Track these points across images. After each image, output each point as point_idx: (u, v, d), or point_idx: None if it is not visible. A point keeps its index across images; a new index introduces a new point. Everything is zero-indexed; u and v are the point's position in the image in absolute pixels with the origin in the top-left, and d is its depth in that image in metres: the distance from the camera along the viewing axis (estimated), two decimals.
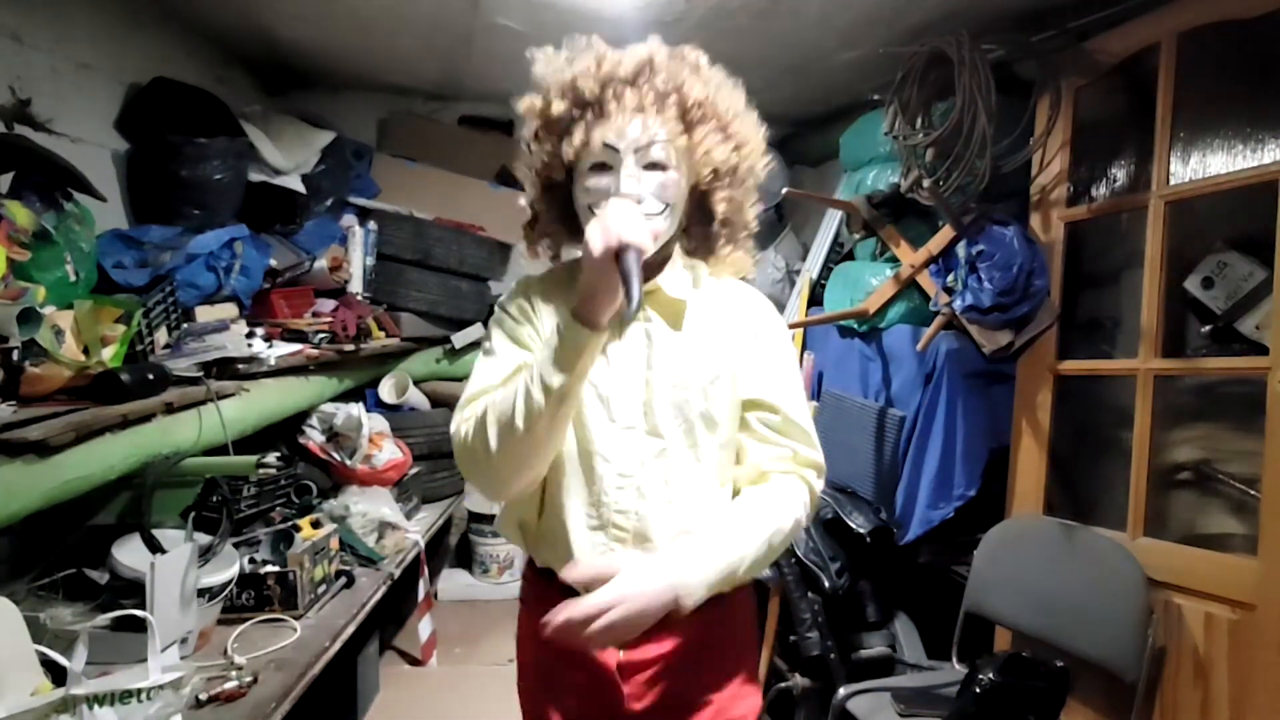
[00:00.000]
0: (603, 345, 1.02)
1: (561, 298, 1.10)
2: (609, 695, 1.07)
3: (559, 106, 1.04)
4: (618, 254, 0.91)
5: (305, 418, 2.46)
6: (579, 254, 1.06)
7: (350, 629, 1.82)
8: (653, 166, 1.01)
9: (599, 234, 0.91)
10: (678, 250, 1.13)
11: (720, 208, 1.10)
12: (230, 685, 1.41)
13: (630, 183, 1.00)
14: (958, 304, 2.12)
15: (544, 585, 1.10)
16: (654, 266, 1.08)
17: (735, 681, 1.13)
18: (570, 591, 0.92)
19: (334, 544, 2.02)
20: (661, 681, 1.07)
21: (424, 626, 2.73)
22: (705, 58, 1.08)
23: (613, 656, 1.06)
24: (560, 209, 1.13)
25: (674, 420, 1.06)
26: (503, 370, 1.05)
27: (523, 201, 1.20)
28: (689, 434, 1.06)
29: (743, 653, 1.18)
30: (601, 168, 1.02)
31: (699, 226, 1.13)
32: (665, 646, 1.06)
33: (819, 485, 1.15)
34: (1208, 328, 1.92)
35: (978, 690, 1.66)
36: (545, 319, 1.10)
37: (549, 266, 1.22)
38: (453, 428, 1.03)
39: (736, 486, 1.12)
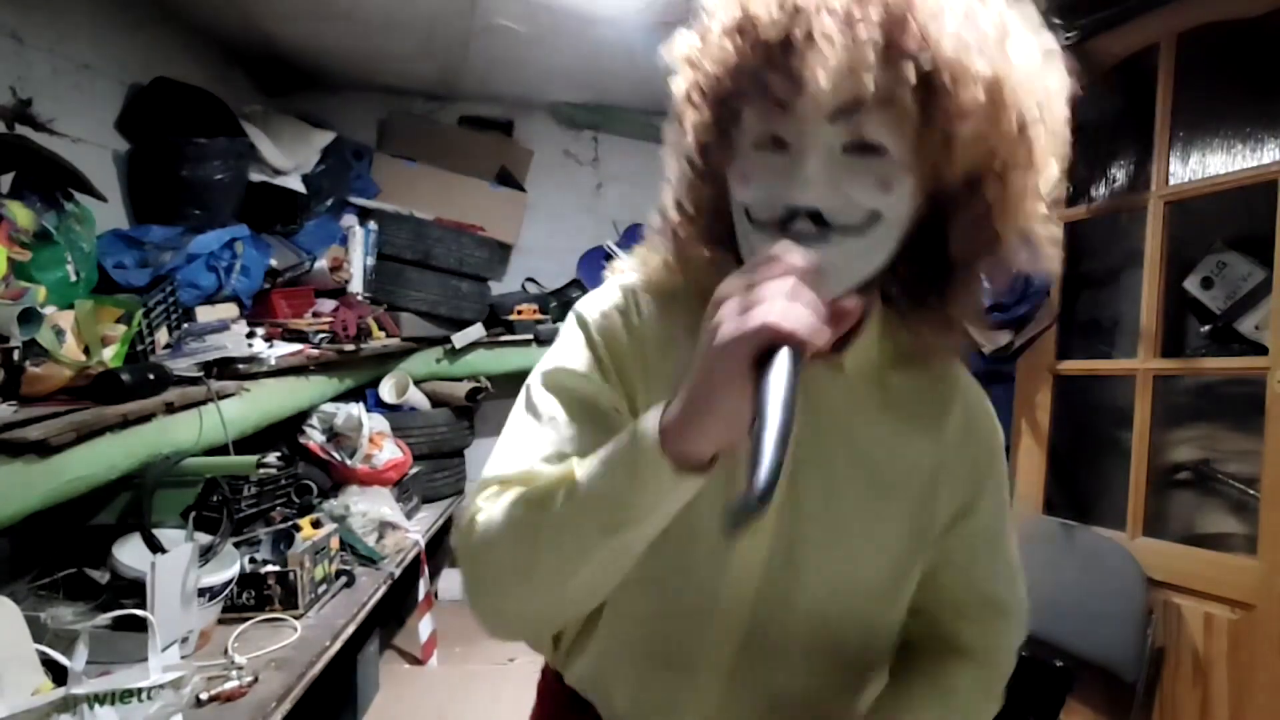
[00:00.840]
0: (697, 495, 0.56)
1: (678, 339, 0.67)
2: None
3: (725, 47, 0.60)
4: (759, 361, 0.48)
5: (305, 418, 2.47)
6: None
7: (350, 629, 1.82)
8: (861, 149, 0.58)
9: (732, 319, 0.50)
10: (876, 307, 0.70)
11: (960, 239, 0.63)
12: (231, 685, 1.42)
13: (818, 167, 0.57)
14: None
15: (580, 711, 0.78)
16: (842, 318, 0.59)
17: None
18: None
19: (334, 544, 2.02)
20: None
21: (424, 626, 2.73)
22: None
23: None
24: (715, 209, 0.66)
25: (829, 553, 0.69)
26: (558, 447, 0.66)
27: (668, 204, 0.70)
28: (847, 579, 0.70)
29: None
30: (774, 144, 0.59)
31: (912, 266, 0.65)
32: None
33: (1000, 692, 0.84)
34: (1207, 328, 1.93)
35: None
36: (654, 372, 0.69)
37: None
38: (465, 515, 0.66)
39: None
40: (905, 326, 0.69)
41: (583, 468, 0.58)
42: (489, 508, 0.64)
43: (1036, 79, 0.60)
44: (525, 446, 0.67)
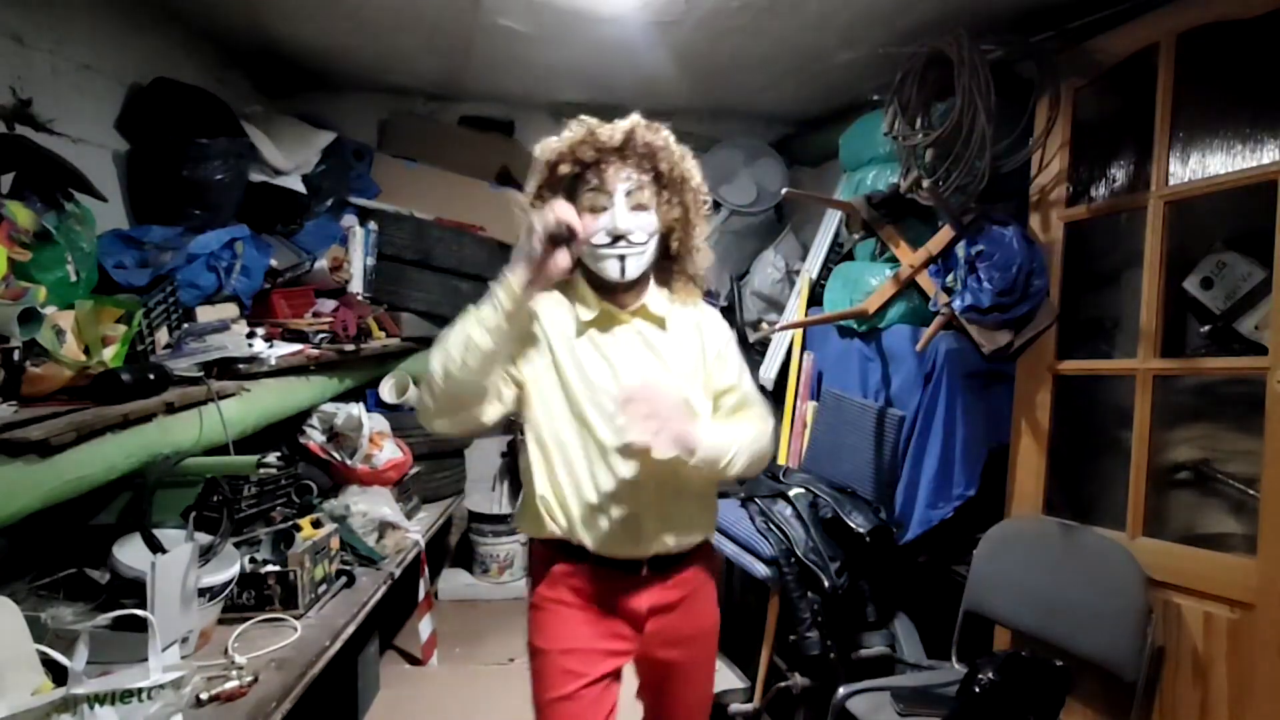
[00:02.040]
0: (604, 345, 1.36)
1: (561, 308, 1.38)
2: (638, 630, 1.39)
3: (564, 169, 1.33)
4: (553, 241, 1.21)
5: (306, 418, 2.47)
6: (576, 281, 1.39)
7: (350, 628, 1.82)
8: (639, 208, 1.33)
9: (538, 216, 1.22)
10: (652, 279, 1.44)
11: (674, 246, 1.41)
12: (231, 685, 1.42)
13: (624, 218, 1.31)
14: (957, 304, 2.12)
15: (571, 553, 1.36)
16: (639, 288, 1.39)
17: (709, 618, 1.47)
18: (601, 561, 1.33)
19: (334, 544, 2.03)
20: (668, 618, 1.39)
21: (424, 626, 2.73)
22: (670, 133, 1.38)
23: (644, 603, 1.36)
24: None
25: None
26: None
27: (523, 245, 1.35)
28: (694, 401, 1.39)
29: (710, 598, 1.48)
30: (600, 210, 1.32)
31: (664, 261, 1.43)
32: (671, 597, 1.39)
33: (771, 424, 1.48)
34: (1207, 328, 1.93)
35: (977, 690, 1.66)
36: (541, 315, 1.36)
37: None
38: (423, 383, 1.28)
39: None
40: (670, 287, 1.44)
41: (481, 309, 1.25)
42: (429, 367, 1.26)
43: (697, 177, 1.40)
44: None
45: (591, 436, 1.31)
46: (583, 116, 1.35)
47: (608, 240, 1.31)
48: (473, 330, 1.22)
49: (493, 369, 1.26)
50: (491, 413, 1.30)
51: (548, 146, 1.35)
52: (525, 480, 1.39)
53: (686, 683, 1.47)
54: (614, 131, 1.32)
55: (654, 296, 1.41)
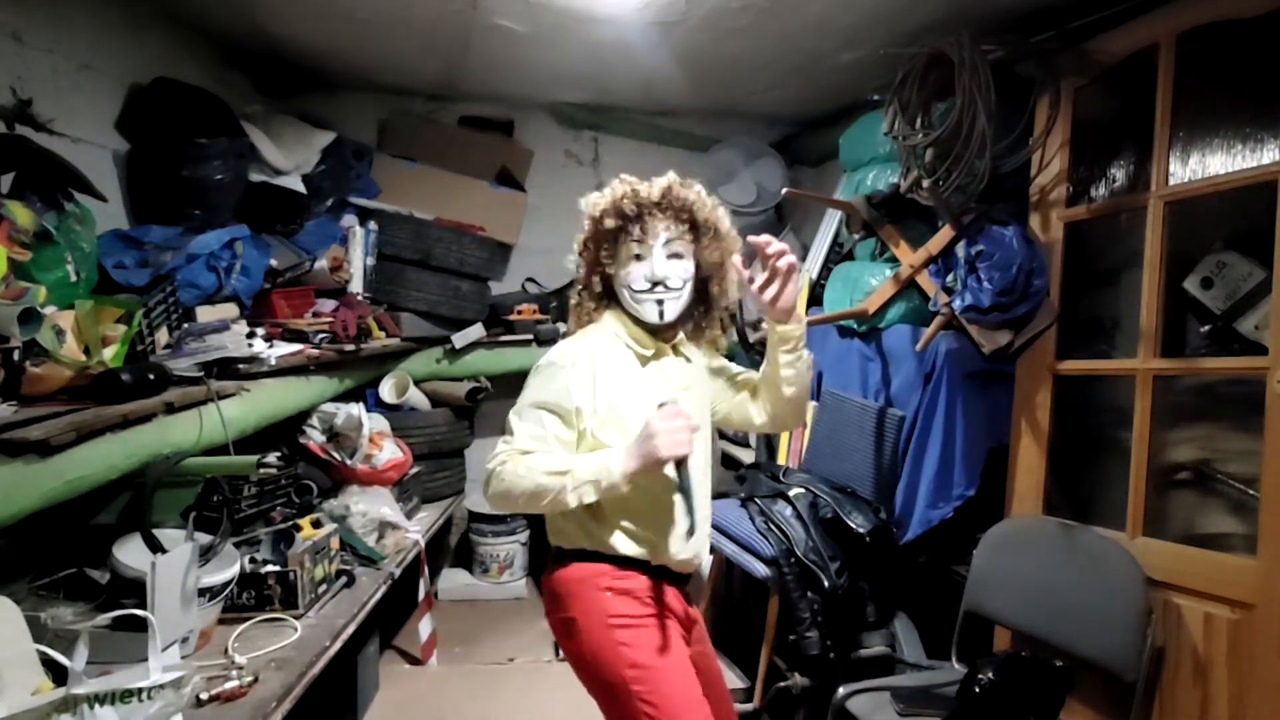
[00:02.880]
0: (654, 380, 1.50)
1: (612, 347, 1.49)
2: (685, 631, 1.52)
3: (610, 222, 1.47)
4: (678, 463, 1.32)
5: (306, 418, 2.47)
6: (620, 314, 1.54)
7: (350, 628, 1.82)
8: (674, 256, 1.46)
9: (668, 445, 1.29)
10: (687, 326, 1.59)
11: (714, 290, 1.55)
12: (231, 685, 1.42)
13: (660, 265, 1.45)
14: (957, 304, 2.12)
15: (626, 564, 1.45)
16: (677, 327, 1.55)
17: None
18: (651, 570, 1.45)
19: (334, 544, 2.03)
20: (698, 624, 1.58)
21: (424, 626, 2.73)
22: (703, 188, 1.52)
23: (683, 607, 1.52)
24: (604, 289, 1.55)
25: (702, 423, 1.52)
26: (551, 426, 1.40)
27: (575, 294, 1.60)
28: (706, 432, 1.55)
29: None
30: (638, 259, 1.46)
31: (699, 307, 1.57)
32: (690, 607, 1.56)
33: None
34: (1207, 328, 1.92)
35: (977, 690, 1.66)
36: (599, 373, 1.44)
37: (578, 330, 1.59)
38: (491, 464, 1.36)
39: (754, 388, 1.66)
40: (697, 333, 1.60)
41: (578, 466, 1.34)
42: (510, 460, 1.35)
43: (727, 223, 1.53)
44: (528, 432, 1.40)
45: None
46: (624, 175, 1.51)
47: (647, 286, 1.45)
48: (565, 497, 1.31)
49: None
50: None
51: (593, 203, 1.51)
52: (594, 506, 1.41)
53: (716, 672, 1.62)
54: (653, 188, 1.47)
55: (686, 340, 1.58)
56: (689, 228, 1.48)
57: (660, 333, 1.52)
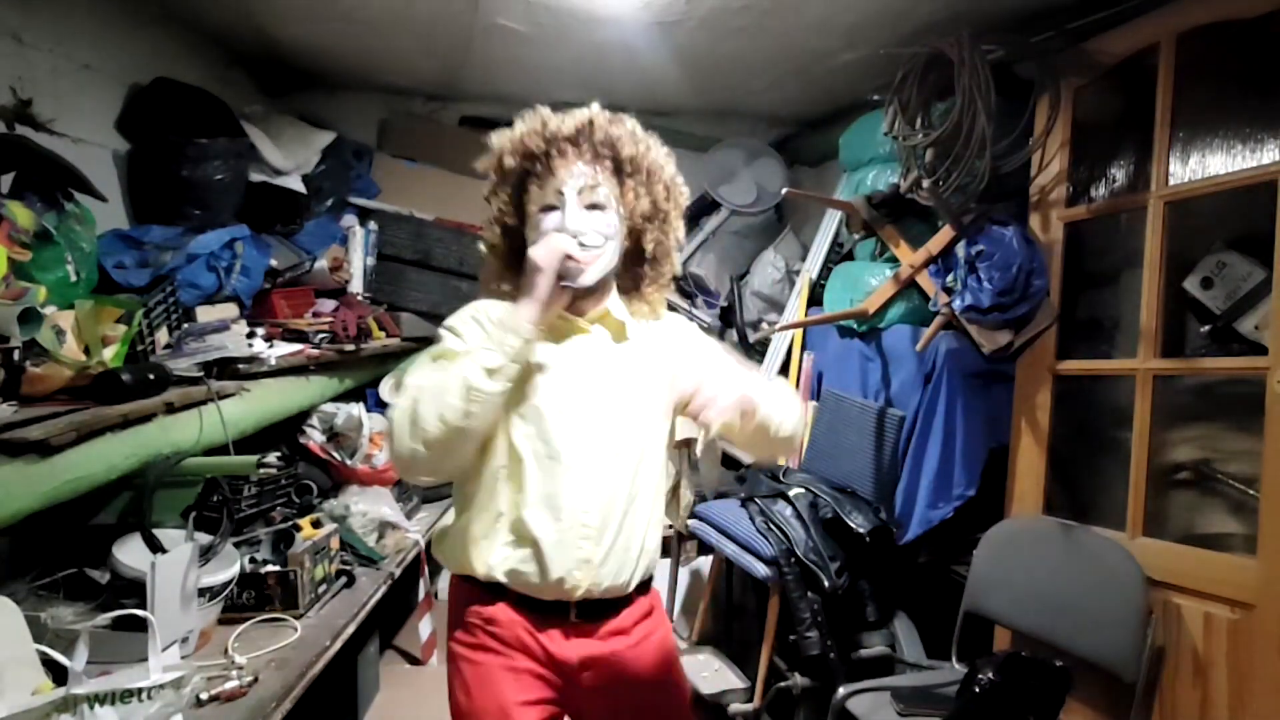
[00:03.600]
0: (557, 359, 1.23)
1: (490, 317, 1.25)
2: (569, 682, 1.23)
3: (510, 162, 1.24)
4: (561, 277, 1.16)
5: (306, 418, 2.46)
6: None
7: (350, 628, 1.82)
8: (593, 207, 1.21)
9: (544, 252, 1.15)
10: (615, 286, 1.32)
11: (649, 247, 1.29)
12: (231, 685, 1.42)
13: (575, 219, 1.19)
14: (957, 304, 2.12)
15: (495, 592, 1.21)
16: (600, 294, 1.27)
17: (665, 683, 1.30)
18: (527, 602, 1.20)
19: (334, 543, 2.02)
20: (610, 676, 1.23)
21: (424, 626, 2.73)
22: (637, 123, 1.27)
23: (575, 653, 1.21)
24: (515, 250, 1.29)
25: (623, 420, 1.23)
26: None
27: (481, 247, 1.37)
28: (636, 431, 1.24)
29: (669, 659, 1.31)
30: (550, 209, 1.21)
31: (632, 265, 1.32)
32: (616, 644, 1.23)
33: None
34: (1207, 328, 1.92)
35: (977, 690, 1.66)
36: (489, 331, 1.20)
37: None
38: (390, 416, 1.15)
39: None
40: (632, 299, 1.32)
41: (473, 354, 1.13)
42: (404, 396, 1.15)
43: (669, 168, 1.28)
44: (426, 369, 1.20)
45: (535, 459, 1.17)
46: (538, 106, 1.23)
47: None
48: (476, 379, 1.09)
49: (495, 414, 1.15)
50: (471, 457, 1.20)
51: (498, 136, 1.25)
52: (457, 507, 1.27)
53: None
54: (566, 120, 1.20)
55: (616, 303, 1.29)
56: (613, 171, 1.22)
57: (574, 303, 1.23)
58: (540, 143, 1.20)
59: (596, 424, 1.20)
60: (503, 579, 1.19)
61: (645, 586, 1.28)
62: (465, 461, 1.19)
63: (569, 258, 1.16)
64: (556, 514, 1.17)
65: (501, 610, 1.20)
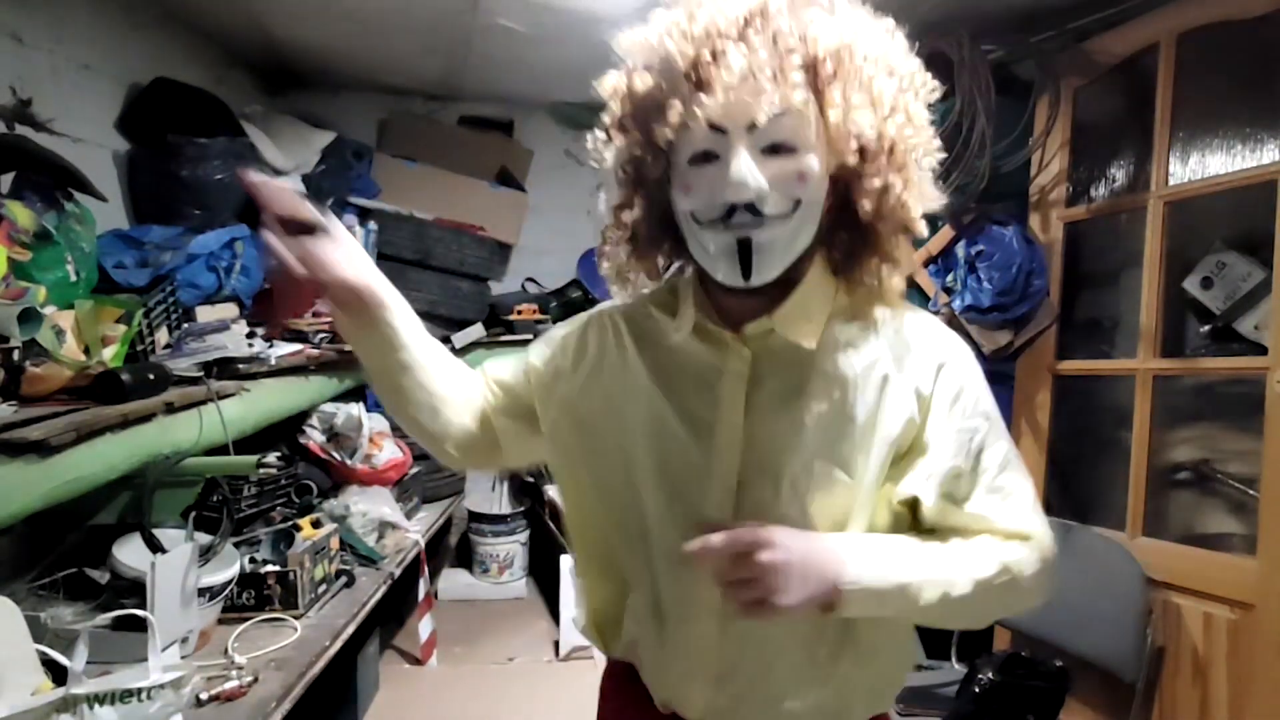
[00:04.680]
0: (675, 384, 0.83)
1: (656, 333, 0.87)
2: None
3: (644, 79, 0.76)
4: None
5: (306, 418, 2.46)
6: (683, 282, 0.87)
7: (350, 628, 1.82)
8: (776, 150, 0.73)
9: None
10: (818, 268, 0.82)
11: (868, 203, 0.76)
12: (231, 685, 1.42)
13: (746, 171, 0.71)
14: (957, 304, 2.12)
15: (626, 686, 0.93)
16: (778, 293, 0.79)
17: None
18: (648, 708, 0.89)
19: (334, 544, 2.02)
20: None
21: (424, 626, 2.73)
22: (846, 4, 0.77)
23: None
24: (659, 218, 0.83)
25: (796, 486, 0.79)
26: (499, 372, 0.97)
27: (603, 210, 0.87)
28: (817, 507, 0.79)
29: None
30: (706, 157, 0.74)
31: (843, 232, 0.81)
32: None
33: (1037, 555, 0.81)
34: (1207, 328, 1.93)
35: (977, 690, 1.66)
36: (630, 355, 0.87)
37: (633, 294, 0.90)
38: None
39: None
40: (848, 287, 0.83)
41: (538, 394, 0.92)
42: None
43: (905, 62, 0.79)
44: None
45: (649, 526, 0.85)
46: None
47: (719, 214, 0.74)
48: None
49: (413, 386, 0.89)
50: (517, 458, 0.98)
51: (629, 40, 0.79)
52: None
53: None
54: (728, 5, 0.72)
55: (804, 307, 0.81)
56: (808, 83, 0.71)
57: (738, 298, 0.80)
58: (688, 46, 0.72)
59: (739, 471, 0.80)
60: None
61: None
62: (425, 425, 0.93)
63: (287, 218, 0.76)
64: (677, 601, 0.86)
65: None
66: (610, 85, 0.82)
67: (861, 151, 0.75)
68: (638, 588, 0.88)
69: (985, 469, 0.79)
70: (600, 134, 0.84)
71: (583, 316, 0.96)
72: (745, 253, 0.73)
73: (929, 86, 0.82)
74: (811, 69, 0.72)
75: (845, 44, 0.73)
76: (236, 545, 1.77)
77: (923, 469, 0.78)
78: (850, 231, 0.80)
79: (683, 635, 0.84)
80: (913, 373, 0.80)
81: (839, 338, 0.81)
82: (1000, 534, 0.79)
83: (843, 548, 0.75)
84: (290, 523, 1.93)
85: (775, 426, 0.80)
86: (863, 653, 0.83)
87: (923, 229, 0.81)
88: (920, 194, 0.80)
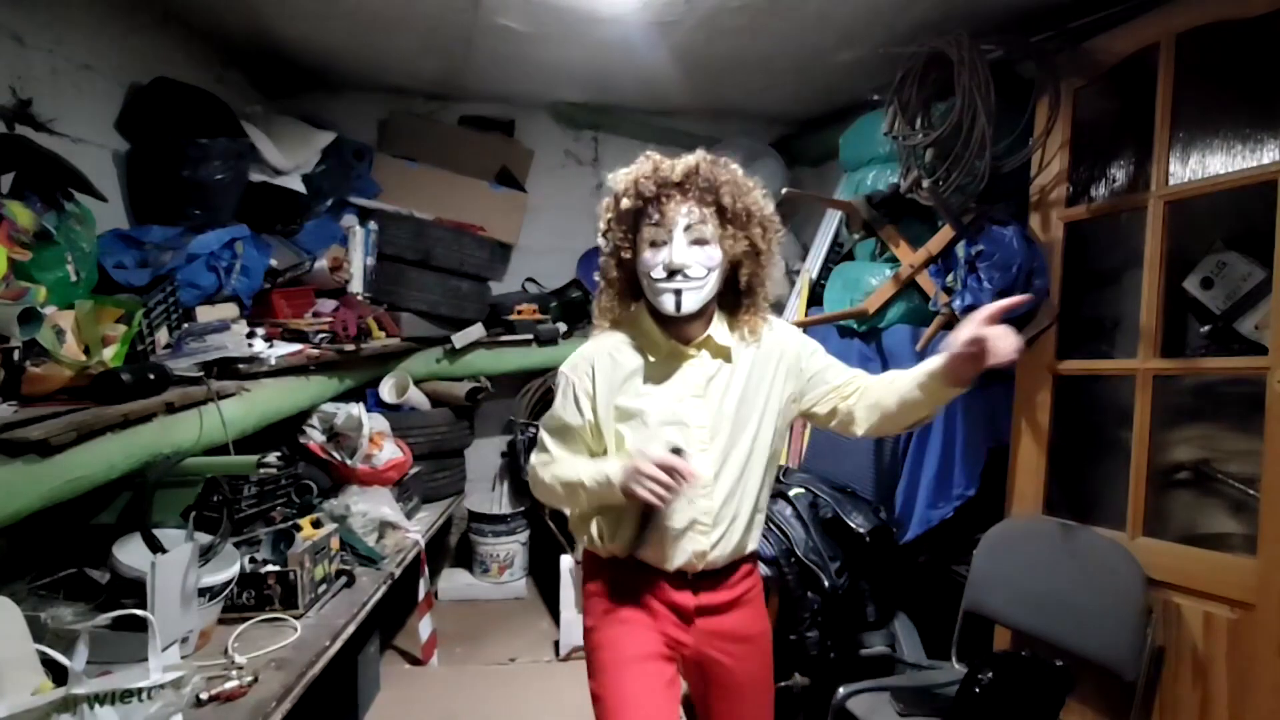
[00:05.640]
0: (668, 380, 1.43)
1: (622, 356, 1.44)
2: (689, 625, 1.45)
3: (626, 203, 1.38)
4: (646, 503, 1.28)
5: (306, 418, 2.47)
6: (640, 315, 1.47)
7: (350, 628, 1.82)
8: (697, 242, 1.35)
9: (644, 492, 1.26)
10: (718, 307, 1.47)
11: (744, 279, 1.43)
12: (231, 684, 1.42)
13: (680, 252, 1.34)
14: (957, 304, 2.12)
15: (624, 566, 1.45)
16: (703, 319, 1.43)
17: (760, 622, 1.54)
18: (651, 570, 1.43)
19: (334, 543, 2.03)
20: (716, 619, 1.46)
21: (424, 626, 2.73)
22: (739, 168, 1.42)
23: (690, 600, 1.43)
24: (628, 279, 1.46)
25: (733, 434, 1.41)
26: (569, 440, 1.46)
27: (598, 277, 1.50)
28: (750, 441, 1.42)
29: (759, 605, 1.56)
30: (658, 245, 1.36)
31: (730, 295, 1.46)
32: (721, 598, 1.45)
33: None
34: (1207, 327, 1.93)
35: (977, 690, 1.66)
36: (602, 385, 1.43)
37: (602, 330, 1.51)
38: (529, 468, 1.50)
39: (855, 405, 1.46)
40: (734, 323, 1.47)
41: (588, 478, 1.37)
42: (539, 465, 1.47)
43: (767, 208, 1.42)
44: (553, 438, 1.48)
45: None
46: (649, 152, 1.42)
47: (664, 275, 1.35)
48: (580, 496, 1.39)
49: None
50: None
51: (615, 179, 1.42)
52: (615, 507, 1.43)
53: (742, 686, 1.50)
54: (675, 167, 1.36)
55: (719, 328, 1.44)
56: (715, 210, 1.36)
57: (680, 328, 1.41)
58: (652, 187, 1.35)
59: (700, 437, 1.39)
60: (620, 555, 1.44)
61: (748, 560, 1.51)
62: None
63: (663, 485, 1.25)
64: (677, 514, 1.38)
65: (631, 575, 1.45)
66: (605, 202, 1.44)
67: (743, 252, 1.40)
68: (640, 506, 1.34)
69: (835, 365, 1.51)
70: (601, 231, 1.45)
71: (583, 362, 1.46)
72: (678, 296, 1.36)
73: (776, 219, 1.44)
74: (717, 203, 1.37)
75: (735, 190, 1.38)
76: (236, 545, 1.78)
77: (821, 384, 1.48)
78: (736, 290, 1.45)
79: (682, 520, 1.38)
80: (788, 352, 1.48)
81: (746, 341, 1.46)
82: (859, 379, 1.48)
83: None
84: (290, 523, 1.93)
85: (724, 394, 1.41)
86: (760, 505, 1.48)
87: (773, 292, 1.48)
88: (771, 274, 1.46)
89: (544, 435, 1.48)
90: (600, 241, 1.46)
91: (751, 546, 1.49)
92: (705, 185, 1.35)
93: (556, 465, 1.43)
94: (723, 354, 1.43)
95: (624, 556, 1.43)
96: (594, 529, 1.46)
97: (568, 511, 1.52)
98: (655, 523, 1.36)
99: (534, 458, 1.48)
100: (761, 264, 1.42)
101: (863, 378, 1.47)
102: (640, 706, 1.36)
